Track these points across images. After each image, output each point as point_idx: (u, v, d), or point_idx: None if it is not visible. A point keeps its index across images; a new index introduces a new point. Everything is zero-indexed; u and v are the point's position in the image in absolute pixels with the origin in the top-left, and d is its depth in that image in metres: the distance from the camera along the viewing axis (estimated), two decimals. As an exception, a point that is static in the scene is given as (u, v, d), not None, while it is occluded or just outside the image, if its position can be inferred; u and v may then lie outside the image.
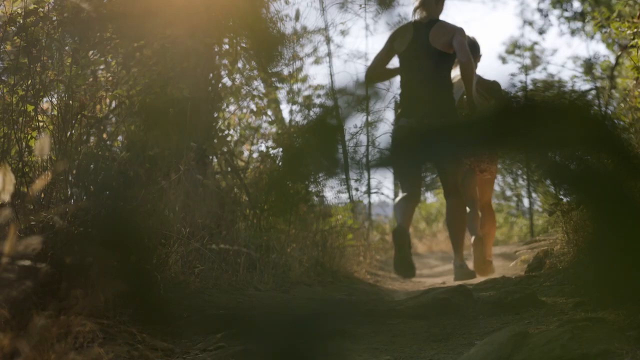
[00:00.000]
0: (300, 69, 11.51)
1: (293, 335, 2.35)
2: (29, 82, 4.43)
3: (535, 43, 21.53)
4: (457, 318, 3.92)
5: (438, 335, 3.62)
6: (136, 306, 3.54)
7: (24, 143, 4.42)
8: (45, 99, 4.67)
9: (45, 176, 3.99)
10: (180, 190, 4.95)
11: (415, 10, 5.71)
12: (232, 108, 8.16)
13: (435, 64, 5.48)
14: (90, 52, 6.59)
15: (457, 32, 5.49)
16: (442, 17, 5.58)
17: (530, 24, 21.25)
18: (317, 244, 7.10)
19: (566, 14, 19.93)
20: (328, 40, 16.07)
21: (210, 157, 7.38)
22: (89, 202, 3.83)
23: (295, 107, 9.16)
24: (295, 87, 9.50)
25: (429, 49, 5.48)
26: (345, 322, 3.50)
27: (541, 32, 21.14)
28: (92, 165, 4.41)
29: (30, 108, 4.51)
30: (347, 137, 2.67)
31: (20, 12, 4.45)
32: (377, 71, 5.71)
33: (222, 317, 3.96)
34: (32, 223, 3.45)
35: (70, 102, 4.47)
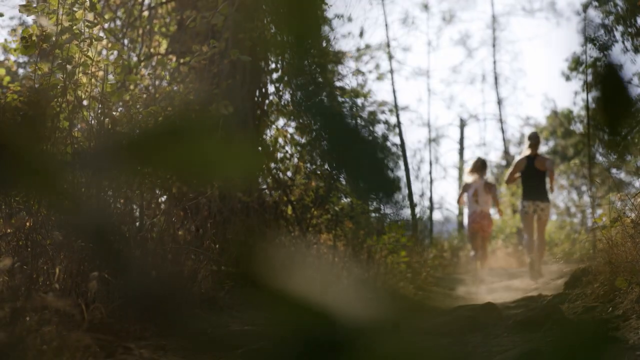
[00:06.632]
0: (363, 85, 11.50)
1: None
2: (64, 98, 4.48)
3: (598, 60, 21.14)
4: (481, 335, 3.84)
5: (459, 353, 3.54)
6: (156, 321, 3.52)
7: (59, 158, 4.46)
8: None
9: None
10: (214, 207, 4.95)
11: (529, 147, 10.32)
12: (281, 123, 8.09)
13: (539, 175, 10.26)
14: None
15: (549, 161, 10.47)
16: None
17: (593, 40, 20.91)
18: (362, 260, 7.07)
19: (630, 30, 19.60)
20: (390, 56, 15.99)
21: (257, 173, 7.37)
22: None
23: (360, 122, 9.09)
24: (359, 101, 9.47)
25: (536, 169, 10.21)
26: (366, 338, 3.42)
27: (604, 48, 20.77)
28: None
29: (65, 124, 4.54)
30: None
31: (54, 29, 4.50)
32: (511, 178, 10.57)
33: (246, 333, 3.93)
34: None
35: (103, 118, 4.51)
